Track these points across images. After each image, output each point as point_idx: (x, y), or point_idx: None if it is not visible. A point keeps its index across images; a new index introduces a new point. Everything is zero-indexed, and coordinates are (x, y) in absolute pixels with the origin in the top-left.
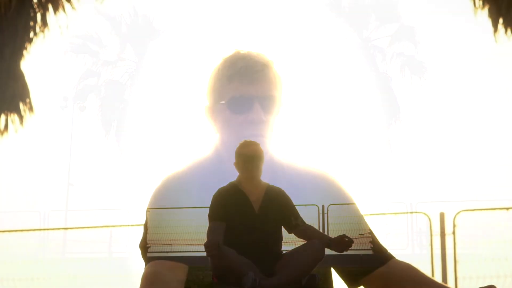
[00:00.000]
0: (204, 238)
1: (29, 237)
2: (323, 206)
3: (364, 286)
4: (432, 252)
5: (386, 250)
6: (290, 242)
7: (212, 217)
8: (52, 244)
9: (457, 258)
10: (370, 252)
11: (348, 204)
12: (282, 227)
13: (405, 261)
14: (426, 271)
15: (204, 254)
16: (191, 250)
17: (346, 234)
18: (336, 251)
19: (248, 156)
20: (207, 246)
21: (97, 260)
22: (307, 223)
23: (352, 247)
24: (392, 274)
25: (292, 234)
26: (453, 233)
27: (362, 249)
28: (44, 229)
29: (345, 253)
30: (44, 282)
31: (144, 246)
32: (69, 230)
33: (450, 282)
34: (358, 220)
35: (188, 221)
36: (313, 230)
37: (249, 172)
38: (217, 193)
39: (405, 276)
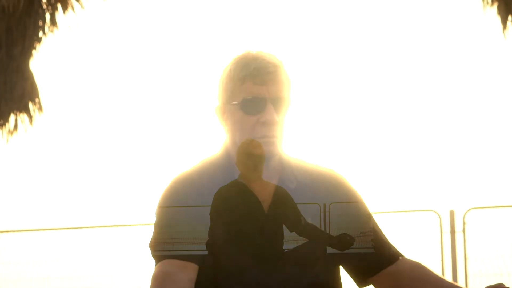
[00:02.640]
0: (206, 237)
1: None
2: (324, 205)
3: (373, 284)
4: (442, 250)
5: (395, 249)
6: (291, 240)
7: (214, 215)
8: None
9: (467, 256)
10: (372, 250)
11: (349, 202)
12: (284, 225)
13: (415, 259)
14: (436, 269)
15: (206, 252)
16: (198, 249)
17: (348, 233)
18: (338, 250)
19: (255, 155)
20: (209, 245)
21: (107, 258)
22: (308, 221)
23: (354, 246)
24: (401, 272)
25: (294, 232)
26: (463, 230)
27: (363, 248)
28: (51, 229)
29: (346, 251)
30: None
31: (154, 246)
32: (80, 229)
33: (461, 280)
34: (360, 218)
35: (198, 220)
36: (314, 229)
37: (255, 172)
38: (219, 192)
39: (414, 274)
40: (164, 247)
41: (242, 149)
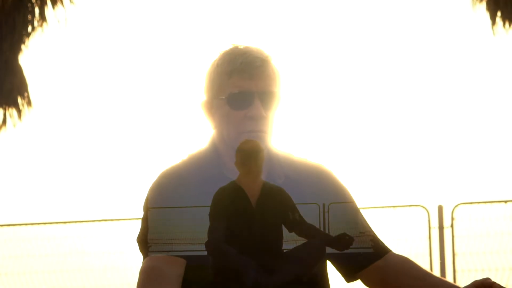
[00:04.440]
0: (205, 237)
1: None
2: (323, 205)
3: (361, 280)
4: (431, 245)
5: (383, 244)
6: (290, 241)
7: (212, 216)
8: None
9: (455, 251)
10: (371, 250)
11: (349, 202)
12: (283, 225)
13: (403, 254)
14: (425, 265)
15: (205, 253)
16: (192, 249)
17: (347, 233)
18: (337, 250)
19: (250, 156)
20: (208, 245)
21: (95, 254)
22: (307, 222)
23: (353, 245)
24: (389, 267)
25: (293, 232)
26: (452, 226)
27: (362, 247)
28: (45, 223)
29: (345, 251)
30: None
31: (142, 240)
32: (68, 224)
33: (449, 275)
34: (359, 218)
35: (188, 220)
36: (313, 229)
37: (250, 172)
38: (217, 192)
39: (402, 269)
40: (152, 242)
41: (240, 150)
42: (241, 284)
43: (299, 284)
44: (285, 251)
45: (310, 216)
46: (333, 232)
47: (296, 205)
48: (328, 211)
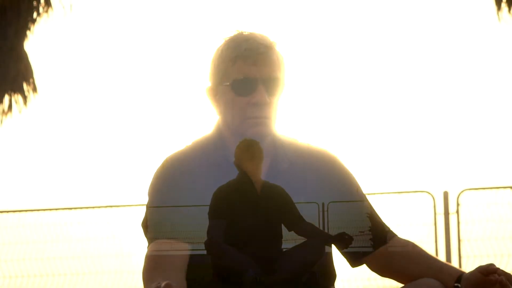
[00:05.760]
0: (205, 236)
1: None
2: (323, 204)
3: (366, 264)
4: (436, 231)
5: (388, 228)
6: (290, 239)
7: (212, 214)
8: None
9: (460, 237)
10: (371, 249)
11: (349, 201)
12: (282, 224)
13: (408, 239)
14: (430, 250)
15: (205, 252)
16: (192, 249)
17: (346, 232)
18: (336, 249)
19: (249, 157)
20: (207, 244)
21: (99, 240)
22: (306, 220)
23: (353, 245)
24: (395, 252)
25: (292, 231)
26: (457, 212)
27: (362, 247)
28: (44, 209)
29: (345, 250)
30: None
31: (147, 226)
32: (68, 210)
33: (454, 261)
34: (358, 216)
35: (189, 217)
36: (313, 228)
37: (250, 172)
38: (217, 190)
39: (407, 254)
40: (157, 228)
41: (239, 151)
42: (241, 283)
43: (298, 283)
44: (284, 250)
45: (310, 215)
46: (333, 230)
47: (296, 204)
48: (327, 210)
